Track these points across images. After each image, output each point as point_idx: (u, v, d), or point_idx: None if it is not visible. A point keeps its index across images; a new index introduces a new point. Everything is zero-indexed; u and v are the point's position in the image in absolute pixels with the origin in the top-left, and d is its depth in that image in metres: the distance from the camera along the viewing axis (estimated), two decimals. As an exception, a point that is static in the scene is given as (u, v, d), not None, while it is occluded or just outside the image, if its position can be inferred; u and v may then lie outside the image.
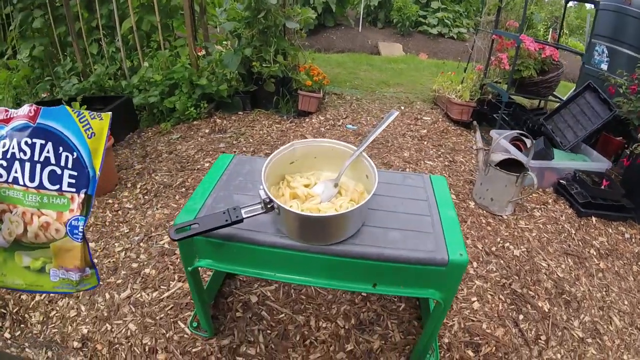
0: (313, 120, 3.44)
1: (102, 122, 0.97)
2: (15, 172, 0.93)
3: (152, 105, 3.13)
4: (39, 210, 0.95)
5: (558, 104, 3.34)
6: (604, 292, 1.89)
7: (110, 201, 2.22)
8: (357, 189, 1.13)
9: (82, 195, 0.96)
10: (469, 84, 3.54)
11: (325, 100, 3.91)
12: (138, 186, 2.36)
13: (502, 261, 1.98)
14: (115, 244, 1.91)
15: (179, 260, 1.82)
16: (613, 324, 1.74)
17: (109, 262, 1.80)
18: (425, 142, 3.17)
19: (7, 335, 1.48)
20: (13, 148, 0.93)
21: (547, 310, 1.75)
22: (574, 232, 2.26)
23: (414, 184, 1.28)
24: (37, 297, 1.62)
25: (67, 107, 0.95)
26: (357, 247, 0.99)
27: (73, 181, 0.95)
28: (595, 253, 2.13)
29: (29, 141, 0.93)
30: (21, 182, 0.94)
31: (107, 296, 1.64)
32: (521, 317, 1.70)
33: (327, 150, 1.18)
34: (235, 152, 2.82)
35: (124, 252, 1.86)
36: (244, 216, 0.95)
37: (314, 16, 3.65)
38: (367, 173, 1.09)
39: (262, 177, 0.98)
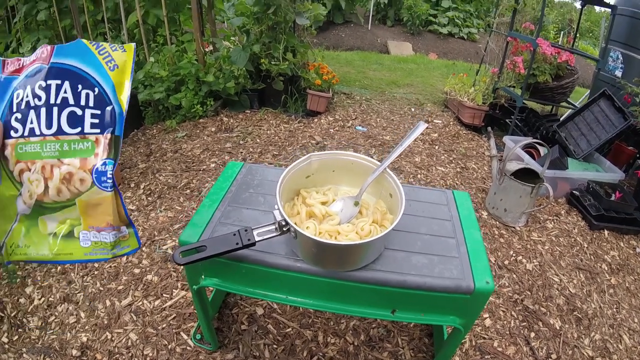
0: (322, 120, 3.37)
1: (124, 53, 0.88)
2: (31, 122, 0.82)
3: (157, 101, 3.07)
4: (59, 160, 0.83)
5: (570, 110, 3.27)
6: (614, 309, 1.84)
7: (113, 201, 2.15)
8: (379, 207, 1.06)
9: (109, 136, 0.85)
10: (481, 86, 3.45)
11: (334, 100, 3.83)
12: (141, 186, 2.30)
13: (514, 275, 1.92)
14: (118, 247, 1.86)
15: (182, 267, 1.76)
16: (623, 342, 1.69)
17: (110, 266, 1.75)
18: (437, 147, 3.09)
19: (4, 339, 1.44)
20: (27, 96, 0.82)
21: (558, 328, 1.70)
22: (586, 245, 2.20)
23: (437, 200, 1.21)
24: (36, 301, 1.57)
25: (84, 41, 0.86)
26: (379, 273, 0.92)
27: (96, 121, 0.84)
28: (606, 268, 2.07)
29: (43, 84, 0.82)
30: (37, 132, 0.82)
31: (108, 303, 1.59)
32: (533, 334, 1.65)
33: (346, 164, 1.10)
34: (242, 152, 2.75)
35: (125, 256, 1.81)
36: (257, 239, 0.87)
37: (324, 12, 3.55)
38: (392, 192, 1.01)
39: (277, 196, 0.90)
